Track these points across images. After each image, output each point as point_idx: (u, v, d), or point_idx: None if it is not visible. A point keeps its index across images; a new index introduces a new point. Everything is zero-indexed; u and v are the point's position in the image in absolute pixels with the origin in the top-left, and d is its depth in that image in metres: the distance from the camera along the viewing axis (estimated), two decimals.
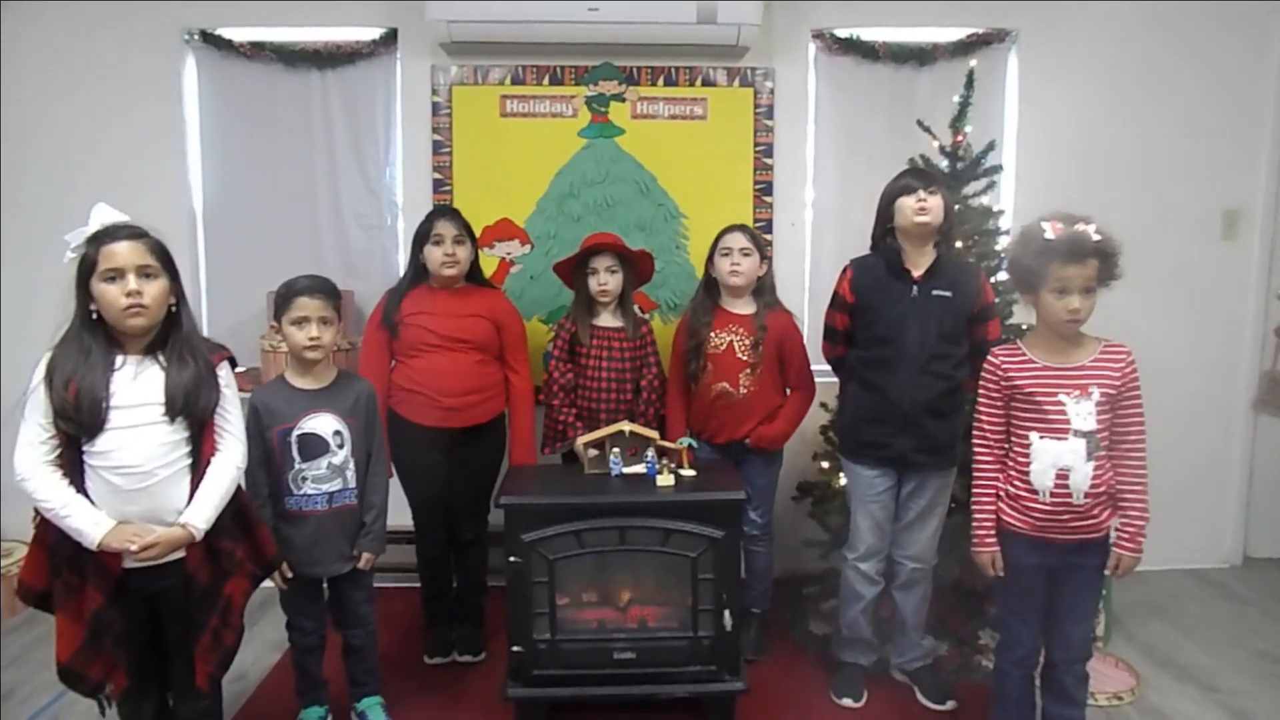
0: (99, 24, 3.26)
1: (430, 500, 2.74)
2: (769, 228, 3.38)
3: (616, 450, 2.48)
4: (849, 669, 2.62)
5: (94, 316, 1.78)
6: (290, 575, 2.22)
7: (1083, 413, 1.92)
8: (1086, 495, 1.93)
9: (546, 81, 3.31)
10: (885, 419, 2.38)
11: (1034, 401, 1.97)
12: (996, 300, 2.53)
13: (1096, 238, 1.89)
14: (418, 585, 2.89)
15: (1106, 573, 2.03)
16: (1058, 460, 1.93)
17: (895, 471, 2.45)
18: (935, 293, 2.35)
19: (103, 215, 1.79)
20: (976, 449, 2.11)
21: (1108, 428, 1.95)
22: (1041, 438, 1.95)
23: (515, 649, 2.30)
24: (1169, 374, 3.24)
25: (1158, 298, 3.38)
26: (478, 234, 2.92)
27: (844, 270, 2.51)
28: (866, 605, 2.55)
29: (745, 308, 2.75)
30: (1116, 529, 2.01)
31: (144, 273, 1.77)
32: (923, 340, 2.33)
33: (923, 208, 2.31)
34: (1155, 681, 2.69)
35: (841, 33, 3.37)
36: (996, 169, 2.83)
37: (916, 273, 2.37)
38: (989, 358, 2.09)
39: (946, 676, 2.61)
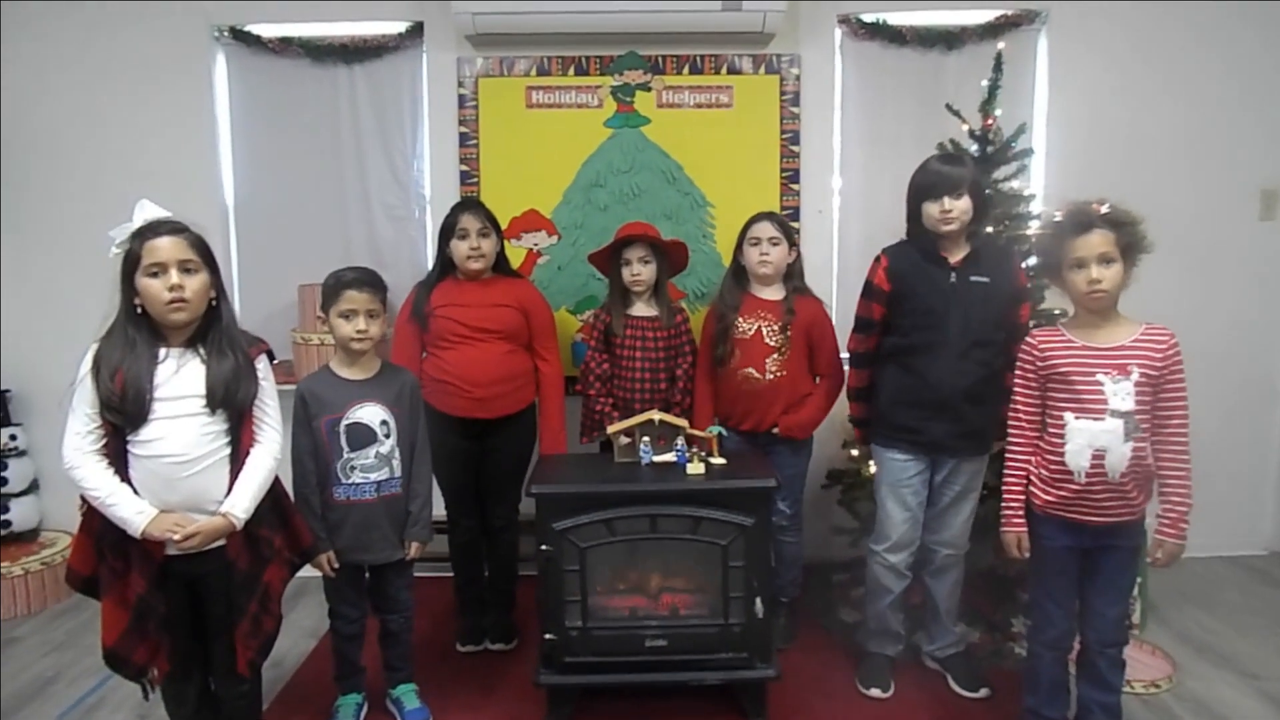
0: (130, 22, 3.31)
1: (461, 488, 2.78)
2: (796, 215, 3.37)
3: (646, 439, 2.49)
4: (875, 659, 2.60)
5: (138, 310, 1.82)
6: (337, 565, 2.26)
7: (1121, 393, 1.90)
8: (1123, 475, 1.91)
9: (572, 72, 3.32)
10: (922, 403, 2.36)
11: (1069, 382, 1.97)
12: (1030, 285, 2.51)
13: (1104, 210, 1.92)
14: (449, 574, 2.92)
15: (1149, 561, 2.02)
16: (1094, 441, 1.91)
17: (928, 457, 2.44)
18: (974, 279, 2.33)
19: (146, 212, 1.83)
20: (1010, 430, 2.11)
21: (1149, 410, 1.93)
22: (1077, 418, 1.94)
23: (547, 636, 2.32)
24: (1206, 356, 3.17)
25: (1194, 279, 3.34)
26: (505, 225, 2.93)
27: (877, 259, 2.47)
28: (894, 599, 2.54)
29: (774, 294, 2.74)
30: (1159, 515, 1.99)
31: (185, 267, 1.81)
32: (965, 327, 2.32)
33: (947, 218, 2.30)
34: (1193, 669, 2.66)
35: (868, 17, 3.34)
36: (1027, 152, 2.80)
37: (954, 259, 2.35)
38: (1027, 339, 2.09)
39: (979, 663, 2.60)
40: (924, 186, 2.35)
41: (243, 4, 3.31)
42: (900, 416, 2.42)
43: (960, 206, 2.30)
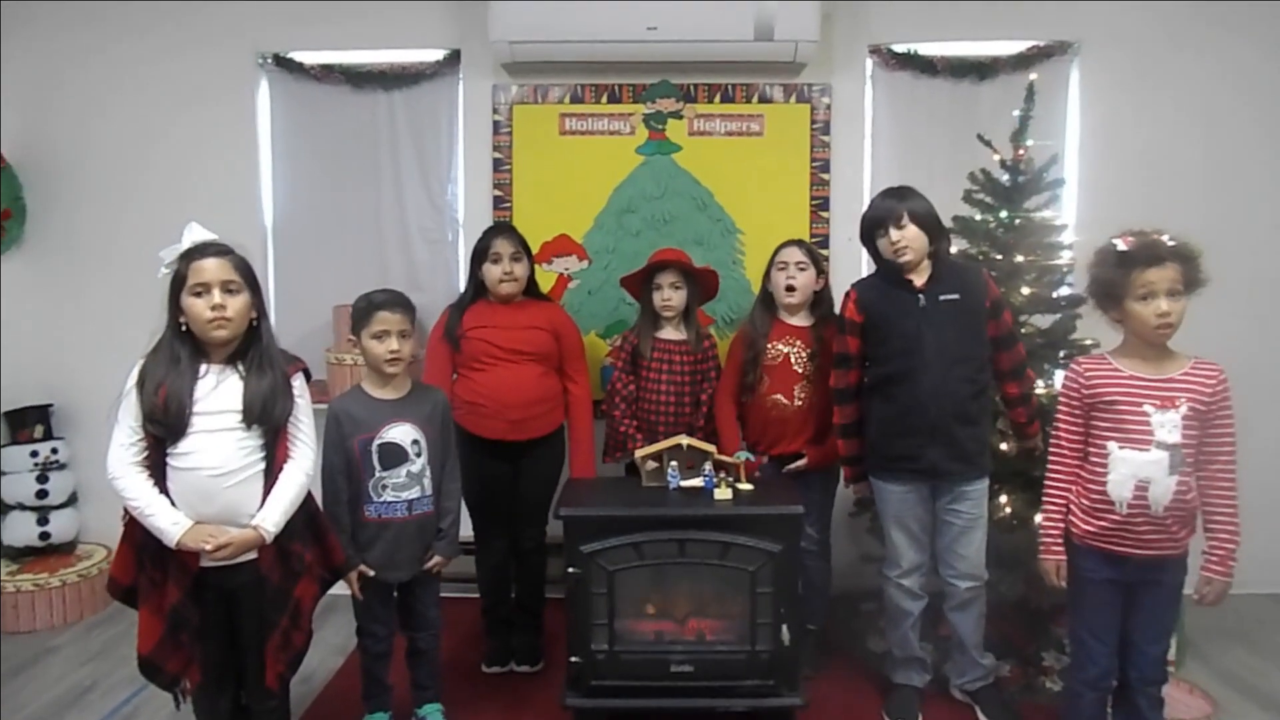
0: (179, 49, 3.43)
1: (491, 509, 2.79)
2: (826, 243, 3.38)
3: (674, 463, 2.49)
4: (902, 691, 2.57)
5: (183, 328, 1.87)
6: (365, 581, 2.27)
7: (1168, 424, 1.87)
8: (1166, 509, 1.88)
9: (605, 100, 3.37)
10: (913, 430, 2.36)
11: (1115, 411, 1.94)
12: (1003, 293, 2.51)
13: (1172, 243, 1.90)
14: (476, 595, 2.93)
15: (1195, 599, 1.98)
16: (1138, 472, 1.89)
17: (926, 484, 2.43)
18: (943, 298, 2.35)
19: (194, 234, 1.90)
20: (1050, 457, 2.09)
21: (1195, 445, 1.90)
22: (1121, 448, 1.91)
23: (574, 659, 2.32)
24: (1248, 388, 3.09)
25: (1234, 310, 3.27)
26: (536, 250, 2.97)
27: (846, 294, 2.53)
28: (914, 621, 2.52)
29: (802, 320, 2.76)
30: (1204, 552, 1.95)
31: (228, 288, 1.86)
32: (941, 347, 2.33)
33: (898, 248, 2.34)
34: (1234, 708, 2.59)
35: (899, 47, 3.36)
36: (1059, 182, 2.79)
37: (919, 281, 2.38)
38: (1072, 365, 2.06)
39: (1010, 697, 2.55)
40: (871, 221, 2.43)
41: (286, 31, 3.42)
42: (894, 446, 2.42)
43: (909, 235, 2.34)
